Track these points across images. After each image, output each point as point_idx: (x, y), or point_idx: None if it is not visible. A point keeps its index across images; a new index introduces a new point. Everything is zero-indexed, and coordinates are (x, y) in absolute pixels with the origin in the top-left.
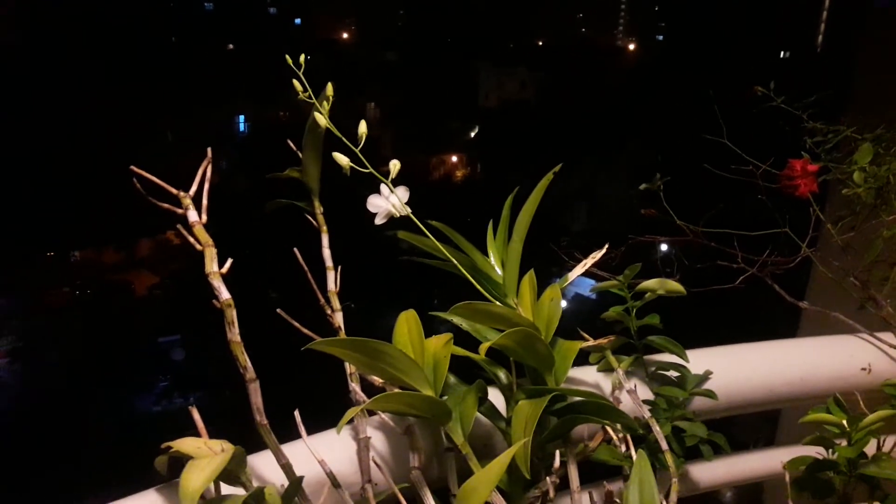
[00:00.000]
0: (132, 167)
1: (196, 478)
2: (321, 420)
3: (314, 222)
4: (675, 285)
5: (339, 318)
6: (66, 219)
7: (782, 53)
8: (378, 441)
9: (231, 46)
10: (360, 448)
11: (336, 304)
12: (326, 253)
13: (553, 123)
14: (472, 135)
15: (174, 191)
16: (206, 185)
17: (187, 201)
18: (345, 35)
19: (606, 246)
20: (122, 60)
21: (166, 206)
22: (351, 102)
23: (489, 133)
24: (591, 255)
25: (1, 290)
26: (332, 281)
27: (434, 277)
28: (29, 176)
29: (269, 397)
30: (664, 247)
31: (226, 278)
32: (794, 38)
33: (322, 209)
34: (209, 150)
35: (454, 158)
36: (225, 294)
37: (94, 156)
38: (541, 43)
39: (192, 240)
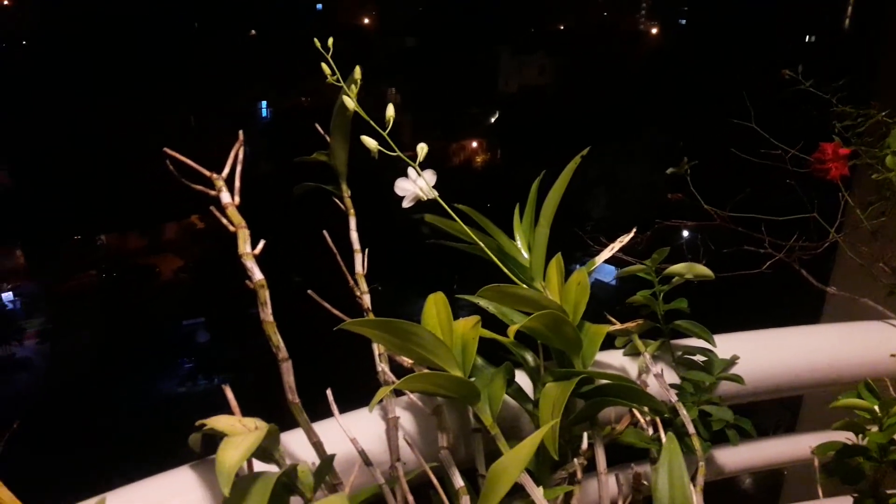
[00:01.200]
0: (165, 149)
1: (232, 454)
2: (343, 401)
3: (341, 206)
4: (703, 269)
5: (367, 300)
6: (93, 203)
7: (808, 37)
8: (406, 421)
9: (253, 32)
10: (389, 427)
11: (363, 286)
12: (354, 236)
13: (573, 109)
14: (492, 120)
15: (207, 173)
16: (239, 168)
17: (220, 183)
18: (366, 20)
19: (634, 230)
20: (145, 46)
21: (199, 187)
22: (371, 88)
23: (509, 119)
24: (619, 240)
25: (30, 273)
26: (359, 263)
27: (458, 261)
28: (55, 161)
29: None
30: (685, 233)
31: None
32: (821, 20)
33: (349, 192)
34: (241, 132)
35: (474, 144)
36: (258, 275)
37: (119, 141)
38: (561, 27)
39: (224, 221)
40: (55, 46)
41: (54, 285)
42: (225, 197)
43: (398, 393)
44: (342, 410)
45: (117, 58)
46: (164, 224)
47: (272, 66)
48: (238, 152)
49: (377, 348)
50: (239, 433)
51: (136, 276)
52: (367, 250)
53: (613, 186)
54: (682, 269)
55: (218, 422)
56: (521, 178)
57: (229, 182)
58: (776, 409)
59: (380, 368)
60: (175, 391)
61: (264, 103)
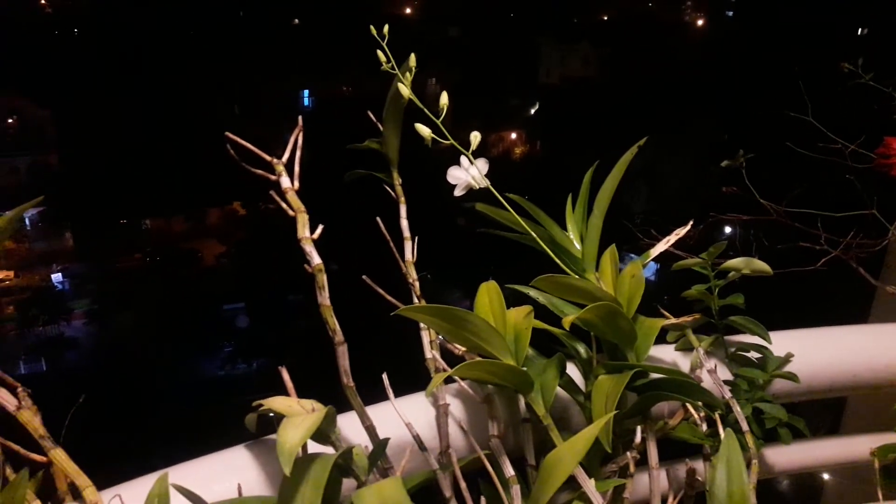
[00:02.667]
0: (227, 133)
1: (293, 434)
2: (381, 388)
3: (392, 193)
4: (761, 265)
5: (418, 287)
6: (139, 188)
7: (863, 29)
8: (455, 408)
9: (296, 21)
10: (440, 414)
11: (413, 273)
12: (404, 223)
13: (617, 101)
14: (532, 112)
15: (268, 157)
16: (298, 153)
17: (280, 168)
18: (408, 10)
19: (691, 223)
20: (191, 35)
21: (260, 172)
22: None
23: (550, 110)
24: (675, 232)
25: (78, 256)
26: (409, 251)
27: (500, 251)
28: (104, 146)
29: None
30: (727, 228)
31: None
32: (878, 12)
33: (401, 180)
34: (300, 118)
35: (513, 135)
36: (316, 259)
37: (165, 128)
38: (605, 18)
39: (284, 206)
40: (105, 33)
41: (101, 268)
42: (285, 181)
43: (447, 380)
44: (380, 398)
45: (164, 45)
46: (207, 210)
47: (314, 55)
48: (298, 138)
49: (426, 336)
50: (297, 414)
51: (179, 261)
52: (415, 238)
53: (660, 179)
54: (739, 263)
55: (274, 402)
56: (561, 170)
57: (289, 167)
58: (818, 410)
59: (429, 355)
60: (215, 374)
61: (306, 92)
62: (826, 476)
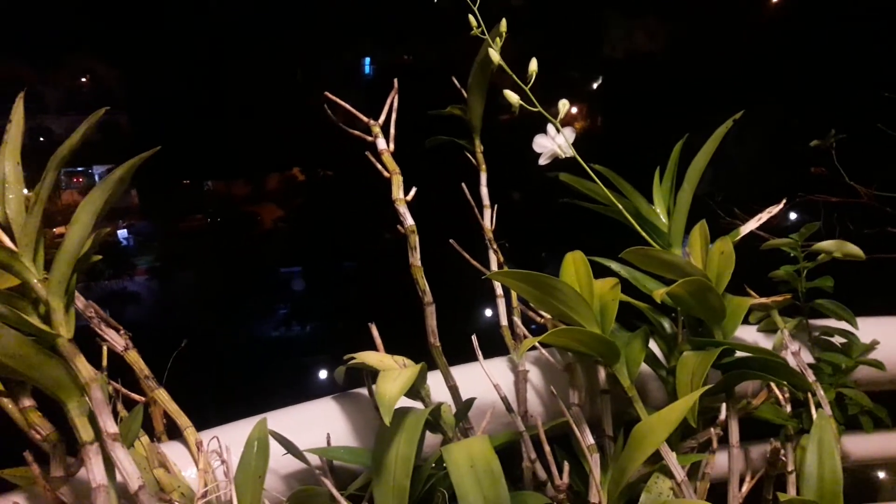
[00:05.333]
0: (327, 93)
1: (392, 387)
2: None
3: (473, 160)
4: (853, 248)
5: (499, 255)
6: (202, 150)
7: None
8: (532, 375)
9: None
10: (519, 380)
11: (489, 241)
12: (484, 191)
13: (684, 77)
14: (595, 86)
15: (365, 119)
16: (394, 115)
17: (377, 130)
18: None
19: (784, 201)
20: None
21: (357, 133)
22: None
23: (613, 85)
24: (767, 210)
25: (143, 214)
26: (488, 218)
27: (578, 223)
28: (169, 107)
29: (400, 328)
30: (793, 215)
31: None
32: None
33: (482, 148)
34: (395, 80)
35: (574, 109)
36: (409, 220)
37: (230, 92)
38: None
39: (379, 167)
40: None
41: (164, 226)
42: (381, 143)
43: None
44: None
45: (230, 11)
46: (268, 174)
47: (376, 23)
48: (394, 101)
49: (502, 303)
50: (389, 368)
51: (238, 223)
52: (495, 206)
53: (735, 157)
54: (830, 246)
55: (367, 357)
56: (624, 145)
57: (385, 129)
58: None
59: (504, 322)
60: (269, 334)
61: (368, 59)
62: (882, 474)
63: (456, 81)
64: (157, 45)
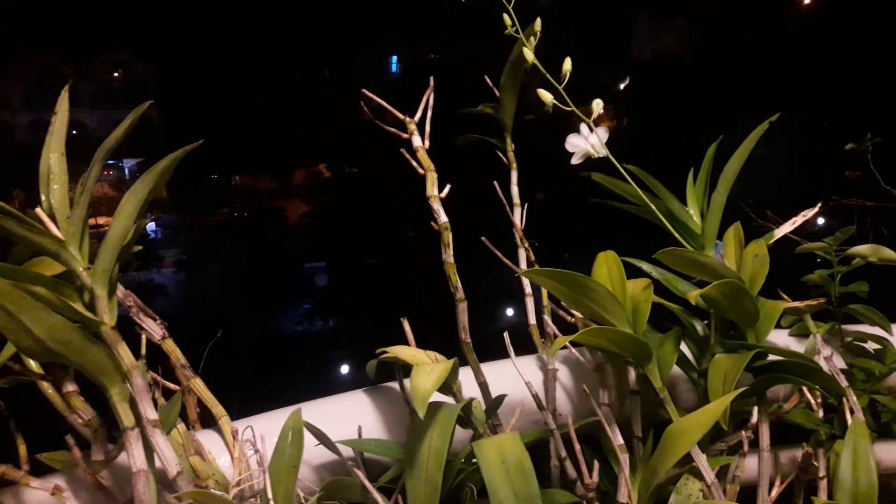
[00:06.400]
0: (363, 90)
1: (426, 381)
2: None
3: (504, 159)
4: (890, 253)
5: (530, 254)
6: (230, 145)
7: None
8: (562, 374)
9: None
10: (548, 378)
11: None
12: (514, 190)
13: (711, 79)
14: (622, 87)
15: (401, 116)
16: (430, 113)
17: (413, 127)
18: None
19: (819, 205)
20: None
21: (392, 130)
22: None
23: (640, 86)
24: (802, 214)
25: (171, 207)
26: (517, 217)
27: (606, 224)
28: (197, 102)
29: (423, 323)
30: (820, 219)
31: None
32: None
33: (513, 146)
34: (431, 78)
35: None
36: (443, 217)
37: (258, 88)
38: None
39: (414, 164)
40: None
41: (191, 220)
42: (416, 140)
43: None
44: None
45: (259, 8)
46: (294, 170)
47: (404, 22)
48: (429, 98)
49: (530, 302)
50: (421, 363)
51: (264, 217)
52: (525, 205)
53: (765, 160)
54: (866, 250)
55: (399, 351)
56: (650, 147)
57: (420, 127)
58: None
59: (532, 321)
60: (293, 329)
61: (395, 58)
62: None
63: (488, 80)
64: (187, 41)
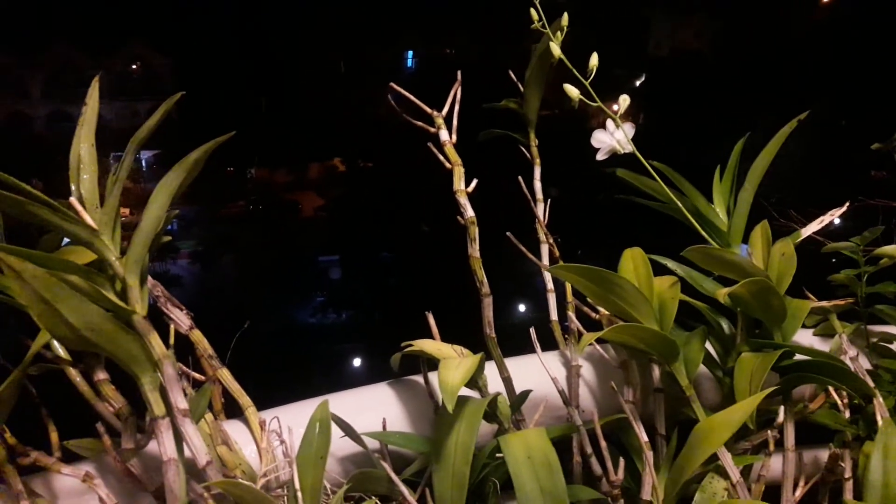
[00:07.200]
0: (391, 84)
1: (454, 375)
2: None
3: (527, 154)
4: None
5: (555, 249)
6: (247, 138)
7: None
8: (585, 371)
9: None
10: (571, 375)
11: (543, 236)
12: (537, 185)
13: (729, 77)
14: (638, 84)
15: (428, 110)
16: (457, 108)
17: (440, 121)
18: None
19: (847, 204)
20: None
21: (420, 124)
22: (515, 44)
23: (657, 83)
24: (830, 213)
25: (187, 199)
26: (541, 213)
27: (628, 220)
28: (215, 97)
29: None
30: (836, 221)
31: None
32: None
33: (537, 142)
34: (458, 72)
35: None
36: (469, 212)
37: (274, 82)
38: None
39: (441, 158)
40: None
41: (207, 212)
42: (443, 135)
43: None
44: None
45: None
46: (309, 164)
47: (420, 17)
48: (456, 93)
49: (552, 298)
50: (447, 357)
51: (279, 210)
52: (548, 201)
53: (786, 158)
54: (894, 250)
55: (425, 345)
56: (667, 145)
57: (448, 121)
58: None
59: (554, 317)
60: (306, 321)
61: (410, 53)
62: None
63: (512, 75)
64: (205, 35)
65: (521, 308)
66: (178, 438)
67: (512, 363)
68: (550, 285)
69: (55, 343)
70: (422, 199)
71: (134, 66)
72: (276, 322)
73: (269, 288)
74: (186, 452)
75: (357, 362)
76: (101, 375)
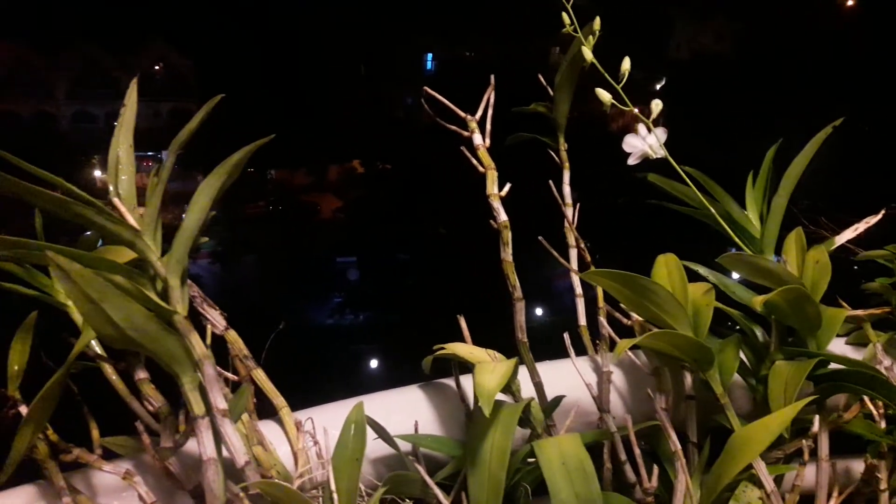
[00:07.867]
0: (425, 88)
1: (490, 379)
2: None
3: (556, 158)
4: None
5: (586, 254)
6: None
7: None
8: (616, 377)
9: None
10: (602, 381)
11: (573, 240)
12: (566, 189)
13: (751, 80)
14: (658, 87)
15: (462, 114)
16: (490, 111)
17: (473, 125)
18: None
19: (883, 211)
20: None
21: (453, 128)
22: (535, 46)
23: (677, 86)
24: (865, 220)
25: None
26: (570, 217)
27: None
28: (236, 98)
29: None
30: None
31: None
32: None
33: (566, 146)
34: (492, 76)
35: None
36: (503, 216)
37: (295, 84)
38: None
39: (474, 162)
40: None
41: (228, 212)
42: (477, 139)
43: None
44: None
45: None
46: (329, 166)
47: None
48: (490, 96)
49: (581, 303)
50: (480, 360)
51: (298, 211)
52: (577, 206)
53: (817, 163)
54: None
55: (457, 348)
56: (686, 150)
57: (481, 125)
58: None
59: (583, 322)
60: (324, 322)
61: (430, 55)
62: None
63: (542, 79)
64: (226, 37)
65: (539, 312)
66: (217, 438)
67: (542, 368)
68: (579, 290)
69: (93, 342)
70: (440, 201)
71: (157, 67)
72: (296, 323)
73: (288, 287)
74: (224, 452)
75: (375, 364)
76: (142, 374)
